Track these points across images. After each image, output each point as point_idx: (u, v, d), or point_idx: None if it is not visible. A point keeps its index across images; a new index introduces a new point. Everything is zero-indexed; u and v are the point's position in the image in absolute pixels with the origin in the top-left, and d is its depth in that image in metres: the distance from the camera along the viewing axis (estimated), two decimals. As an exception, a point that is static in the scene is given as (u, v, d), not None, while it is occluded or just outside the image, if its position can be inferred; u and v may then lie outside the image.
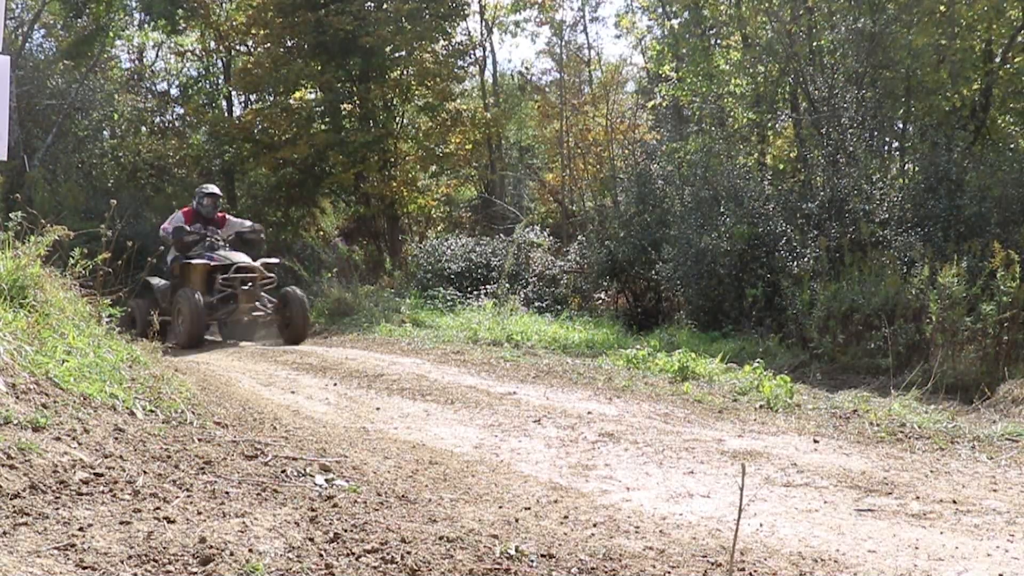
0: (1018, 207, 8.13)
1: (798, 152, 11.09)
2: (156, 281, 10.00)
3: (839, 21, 10.42)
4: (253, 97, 18.11)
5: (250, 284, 9.56)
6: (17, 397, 3.15)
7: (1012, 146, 10.07)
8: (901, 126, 10.81)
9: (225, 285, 9.49)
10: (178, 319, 9.15)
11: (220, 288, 9.50)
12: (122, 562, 2.15)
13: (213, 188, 10.26)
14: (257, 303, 9.66)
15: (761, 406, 5.51)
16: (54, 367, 3.59)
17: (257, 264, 9.70)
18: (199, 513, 2.57)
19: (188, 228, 9.60)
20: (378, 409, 5.36)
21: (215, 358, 8.02)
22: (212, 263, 9.52)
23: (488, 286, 11.40)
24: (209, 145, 17.67)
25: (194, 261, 9.51)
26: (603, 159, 16.51)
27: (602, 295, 12.45)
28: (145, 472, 2.88)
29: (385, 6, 15.52)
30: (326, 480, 3.19)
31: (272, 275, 9.99)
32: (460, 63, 16.99)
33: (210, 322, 9.65)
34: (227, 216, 10.34)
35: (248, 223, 10.43)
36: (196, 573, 2.17)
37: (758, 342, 8.17)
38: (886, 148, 10.90)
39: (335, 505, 2.87)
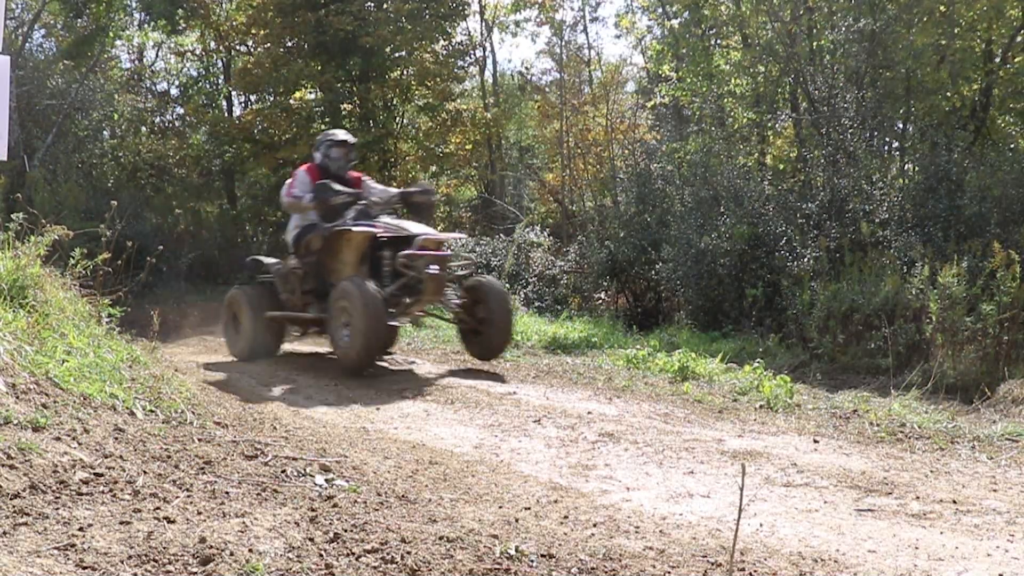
0: (1018, 207, 8.13)
1: (798, 152, 11.08)
2: (271, 261, 7.61)
3: (839, 21, 10.42)
4: (253, 97, 18.10)
5: (438, 267, 6.57)
6: (17, 397, 3.15)
7: (1012, 146, 10.06)
8: (901, 126, 10.81)
9: (403, 268, 6.54)
10: (338, 320, 6.37)
11: (393, 271, 6.59)
12: (122, 562, 2.15)
13: (344, 134, 7.51)
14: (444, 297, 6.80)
15: (761, 406, 5.51)
16: (54, 367, 3.59)
17: (447, 237, 7.04)
18: (199, 513, 2.57)
19: (335, 187, 6.82)
20: (378, 409, 5.36)
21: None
22: (383, 234, 6.66)
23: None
24: (209, 145, 17.66)
25: (355, 229, 6.66)
26: (603, 159, 16.51)
27: (602, 295, 12.45)
28: (145, 472, 2.88)
29: (385, 6, 15.52)
30: (326, 480, 3.19)
31: (470, 257, 7.73)
32: (460, 63, 16.99)
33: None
34: (363, 178, 7.53)
35: (407, 188, 7.51)
36: (196, 573, 2.17)
37: (758, 342, 8.17)
38: (886, 148, 10.90)
39: (335, 505, 2.87)
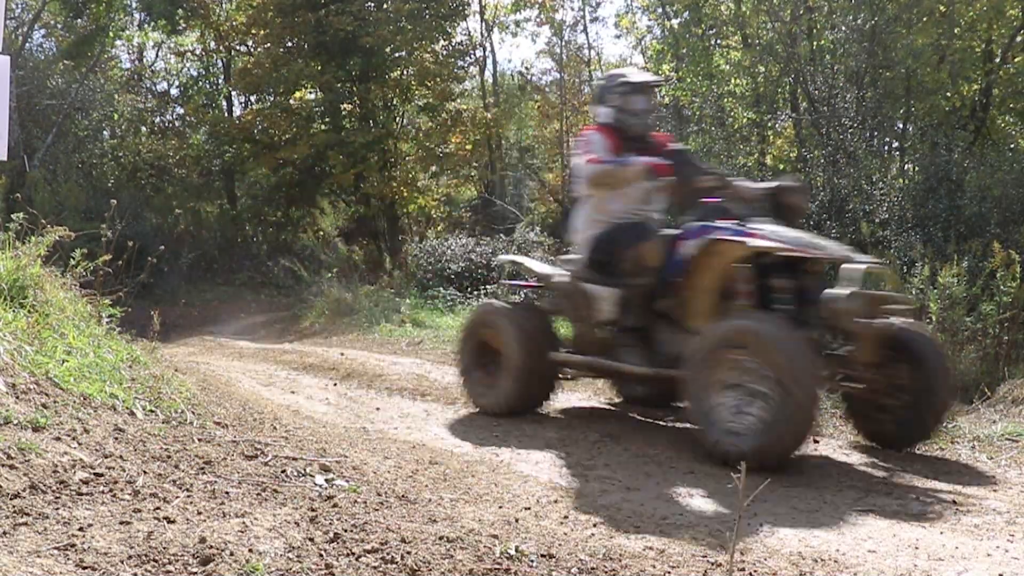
0: (1018, 207, 8.12)
1: (798, 152, 11.08)
2: (545, 269, 5.24)
3: (839, 20, 10.42)
4: (253, 97, 18.10)
5: (873, 314, 4.07)
6: (17, 397, 3.15)
7: (1012, 146, 10.06)
8: (901, 126, 10.80)
9: (828, 315, 3.99)
10: (718, 385, 3.86)
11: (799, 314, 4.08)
12: (122, 562, 2.15)
13: (642, 74, 5.23)
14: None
15: (761, 406, 5.50)
16: (54, 367, 3.59)
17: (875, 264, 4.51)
18: (199, 513, 2.57)
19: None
20: (378, 409, 5.36)
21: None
22: (800, 253, 4.07)
23: (488, 286, 11.40)
24: (209, 145, 17.67)
25: (737, 240, 4.12)
26: (603, 159, 16.48)
27: (602, 295, 12.42)
28: (145, 472, 2.88)
29: (385, 6, 15.53)
30: (326, 480, 3.19)
31: (907, 297, 5.05)
32: (460, 63, 17.00)
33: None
34: (673, 144, 5.07)
35: (781, 183, 4.58)
36: (196, 573, 2.17)
37: (758, 342, 8.16)
38: (886, 148, 10.90)
39: (335, 505, 2.87)
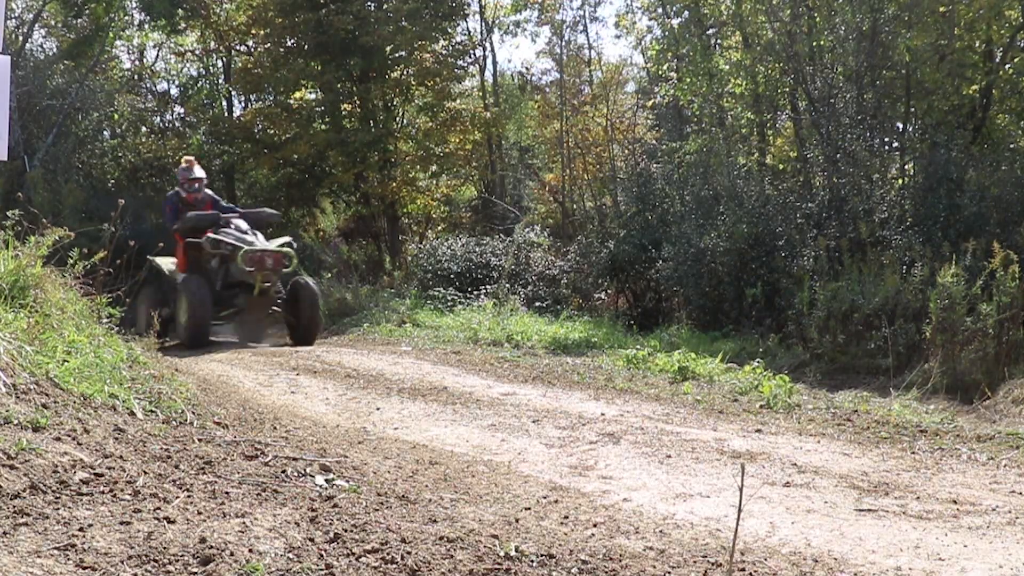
0: (1018, 207, 8.13)
1: (798, 152, 11.09)
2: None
3: (838, 20, 10.41)
4: (253, 97, 18.11)
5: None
6: (17, 397, 3.15)
7: (1012, 146, 10.06)
8: (901, 126, 10.80)
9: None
10: None
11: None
12: (122, 562, 2.15)
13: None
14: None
15: (761, 406, 5.51)
16: (54, 367, 3.59)
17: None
18: (199, 513, 2.57)
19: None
20: (378, 409, 5.36)
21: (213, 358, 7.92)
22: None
23: (488, 286, 11.40)
24: (209, 145, 17.66)
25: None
26: (603, 159, 16.51)
27: (602, 295, 12.45)
28: (145, 472, 2.88)
29: (385, 6, 15.53)
30: (326, 480, 3.19)
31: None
32: (460, 63, 16.99)
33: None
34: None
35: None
36: (196, 573, 2.17)
37: (758, 342, 8.17)
38: (886, 148, 10.90)
39: (335, 505, 2.87)
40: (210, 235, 8.74)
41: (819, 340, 7.28)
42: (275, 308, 9.04)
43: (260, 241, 8.84)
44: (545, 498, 3.38)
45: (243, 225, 8.99)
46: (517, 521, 2.98)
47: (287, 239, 9.58)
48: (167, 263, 9.29)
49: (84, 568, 2.09)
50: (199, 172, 9.43)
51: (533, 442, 4.47)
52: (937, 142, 8.97)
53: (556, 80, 19.56)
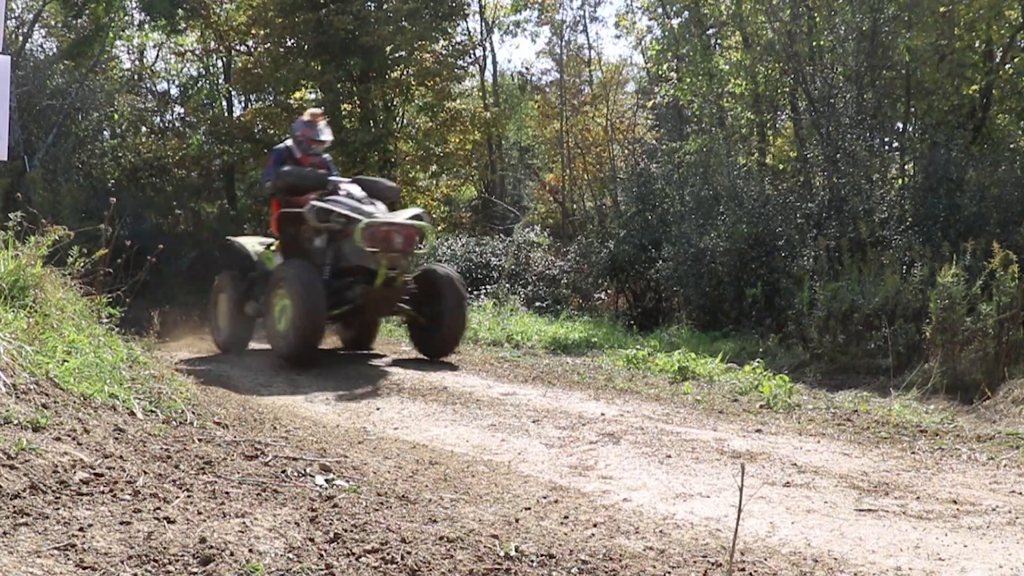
0: (1018, 207, 8.13)
1: (798, 152, 11.08)
2: None
3: (838, 20, 10.41)
4: (253, 97, 18.09)
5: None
6: (17, 397, 3.15)
7: (1012, 146, 10.06)
8: (901, 126, 10.80)
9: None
10: None
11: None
12: (122, 562, 2.15)
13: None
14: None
15: (761, 406, 5.51)
16: (54, 367, 3.59)
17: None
18: (199, 513, 2.57)
19: None
20: (378, 409, 5.36)
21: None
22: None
23: (488, 286, 11.40)
24: (209, 145, 17.66)
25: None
26: (603, 159, 16.52)
27: (602, 295, 12.46)
28: (145, 472, 2.88)
29: (385, 6, 15.52)
30: (326, 480, 3.19)
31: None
32: (460, 63, 16.99)
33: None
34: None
35: None
36: (196, 573, 2.17)
37: (758, 342, 8.17)
38: (886, 148, 10.89)
39: (335, 505, 2.87)
40: (314, 202, 6.58)
41: (819, 340, 7.28)
42: (401, 305, 6.79)
43: (382, 212, 6.64)
44: (545, 498, 3.38)
45: (357, 191, 6.79)
46: (517, 521, 2.98)
47: (418, 210, 7.36)
48: (252, 244, 7.43)
49: (84, 568, 2.09)
50: (327, 134, 7.23)
51: (533, 442, 4.47)
52: (937, 142, 8.96)
53: (556, 80, 19.58)
